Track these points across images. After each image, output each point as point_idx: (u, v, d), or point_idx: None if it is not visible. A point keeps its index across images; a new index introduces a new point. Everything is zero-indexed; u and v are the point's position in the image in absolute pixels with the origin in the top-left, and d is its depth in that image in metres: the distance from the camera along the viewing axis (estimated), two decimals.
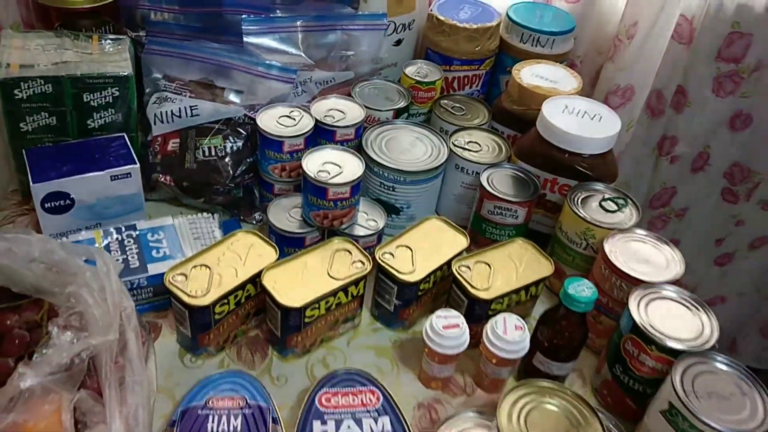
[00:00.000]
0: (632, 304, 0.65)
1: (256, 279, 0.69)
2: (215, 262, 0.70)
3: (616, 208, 0.78)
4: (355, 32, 0.94)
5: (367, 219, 0.81)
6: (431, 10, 0.99)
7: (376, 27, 0.95)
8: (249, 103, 0.89)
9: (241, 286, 0.68)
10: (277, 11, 0.93)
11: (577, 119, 0.81)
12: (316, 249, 0.73)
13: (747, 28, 1.09)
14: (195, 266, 0.69)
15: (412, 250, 0.74)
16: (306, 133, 0.82)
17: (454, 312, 0.68)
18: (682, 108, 1.19)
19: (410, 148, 0.86)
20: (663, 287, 0.68)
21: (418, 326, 0.77)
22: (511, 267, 0.74)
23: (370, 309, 0.78)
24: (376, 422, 0.63)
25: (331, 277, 0.70)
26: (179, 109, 0.86)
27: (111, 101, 0.81)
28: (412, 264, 0.73)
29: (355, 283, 0.70)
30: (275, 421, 0.62)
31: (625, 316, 0.66)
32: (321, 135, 0.84)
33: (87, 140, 0.81)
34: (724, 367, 0.61)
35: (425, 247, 0.75)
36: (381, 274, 0.73)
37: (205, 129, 0.87)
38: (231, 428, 0.60)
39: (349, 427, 0.62)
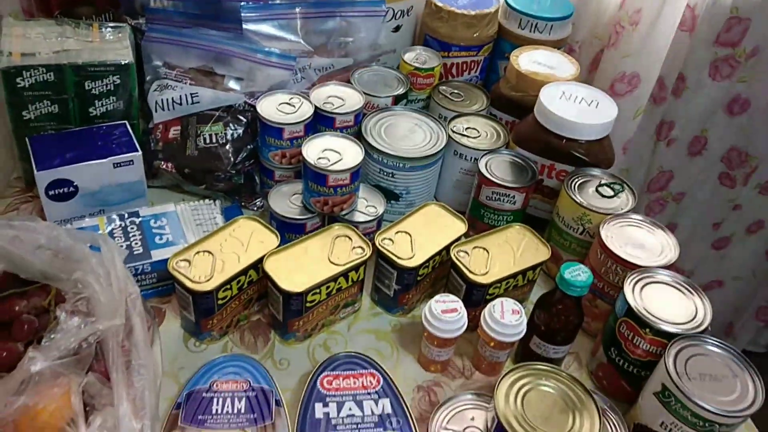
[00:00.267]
0: (627, 288, 0.67)
1: (258, 265, 0.70)
2: (218, 248, 0.71)
3: (612, 193, 0.79)
4: (353, 19, 0.95)
5: (367, 205, 0.82)
6: None
7: (375, 13, 0.95)
8: (249, 90, 0.89)
9: (244, 272, 0.69)
10: None
11: (574, 105, 0.82)
12: (316, 235, 0.74)
13: (746, 14, 1.09)
14: (198, 252, 0.70)
15: (411, 236, 0.75)
16: (306, 119, 0.83)
17: (452, 296, 0.69)
18: (680, 93, 1.19)
19: (409, 134, 0.86)
20: (657, 271, 0.69)
21: (417, 311, 0.79)
22: (508, 252, 0.75)
23: (370, 294, 0.80)
24: (376, 404, 0.65)
25: (331, 262, 0.71)
26: (180, 96, 0.87)
27: (112, 89, 0.82)
28: (411, 249, 0.74)
29: (356, 268, 0.72)
30: (278, 403, 0.64)
31: (620, 300, 0.67)
32: (320, 122, 0.85)
33: (89, 128, 0.82)
34: (716, 350, 0.63)
35: (424, 233, 0.76)
36: (381, 259, 0.74)
37: (206, 116, 0.87)
38: (235, 410, 0.62)
39: (350, 409, 0.64)
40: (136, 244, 0.75)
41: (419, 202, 0.84)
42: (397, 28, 1.01)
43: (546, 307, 0.69)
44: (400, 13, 1.00)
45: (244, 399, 0.63)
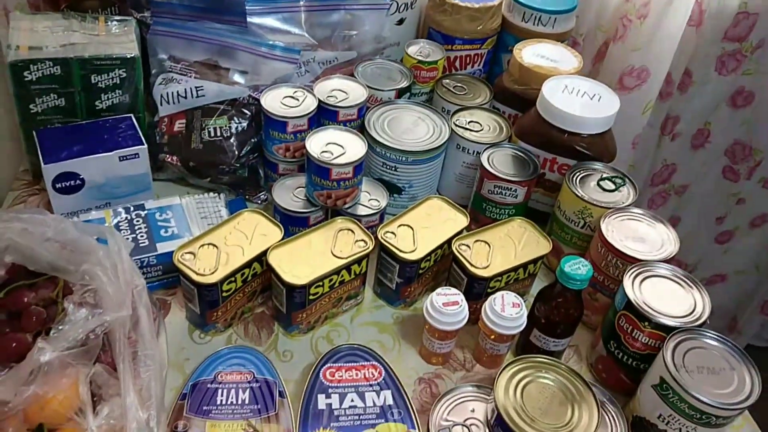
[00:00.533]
0: (626, 282, 0.67)
1: (262, 257, 0.71)
2: (222, 241, 0.72)
3: (614, 187, 0.79)
4: (358, 12, 0.95)
5: (370, 198, 0.82)
6: None
7: (379, 6, 0.95)
8: (253, 83, 0.90)
9: (248, 264, 0.70)
10: None
11: (576, 99, 0.82)
12: (320, 228, 0.75)
13: (754, 8, 1.08)
14: (203, 245, 0.71)
15: (413, 229, 0.76)
16: (309, 113, 0.83)
17: (453, 290, 0.70)
18: (686, 88, 1.19)
19: (412, 127, 0.87)
20: (657, 265, 0.69)
21: (419, 303, 0.80)
22: (509, 245, 0.76)
23: (373, 287, 0.80)
24: (378, 395, 0.66)
25: (334, 255, 0.72)
26: (185, 90, 0.87)
27: (118, 82, 0.82)
28: (414, 243, 0.75)
29: (358, 261, 0.72)
30: (281, 394, 0.65)
31: (619, 294, 0.68)
32: (324, 115, 0.86)
33: (96, 121, 0.83)
34: (714, 343, 0.63)
35: (426, 226, 0.77)
36: (383, 252, 0.75)
37: (211, 110, 0.88)
38: (239, 401, 0.63)
39: (352, 400, 0.65)
40: (142, 236, 0.76)
41: (422, 195, 0.85)
42: (400, 21, 1.01)
43: (546, 300, 0.70)
44: (403, 6, 1.00)
45: (248, 390, 0.64)
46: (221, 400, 0.63)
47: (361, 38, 0.97)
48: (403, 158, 0.83)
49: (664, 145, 1.28)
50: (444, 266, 0.79)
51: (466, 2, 0.97)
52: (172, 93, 0.87)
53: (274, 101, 0.84)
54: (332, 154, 0.76)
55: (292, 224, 0.79)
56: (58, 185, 0.77)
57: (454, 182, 0.90)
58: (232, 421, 0.61)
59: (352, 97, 0.87)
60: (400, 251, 0.73)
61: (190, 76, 0.89)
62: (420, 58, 0.95)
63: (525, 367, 0.64)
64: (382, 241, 0.74)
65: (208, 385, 0.64)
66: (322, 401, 0.64)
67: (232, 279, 0.70)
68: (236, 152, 0.87)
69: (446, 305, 0.68)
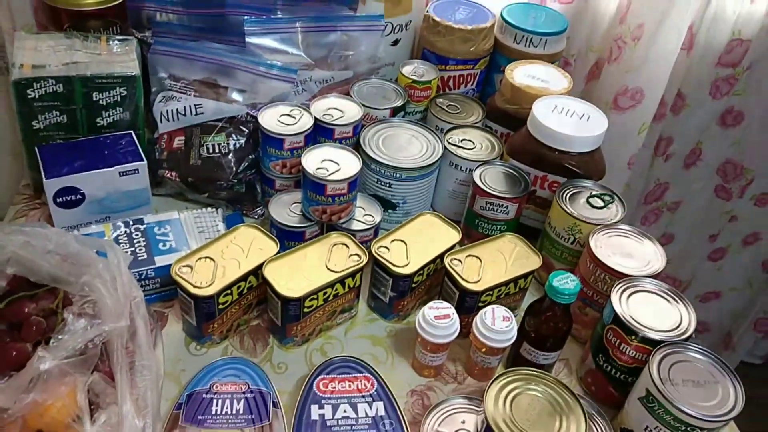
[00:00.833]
0: (614, 297, 0.69)
1: (258, 271, 0.73)
2: (219, 255, 0.73)
3: (602, 204, 0.81)
4: (353, 33, 0.97)
5: (365, 214, 0.84)
6: (427, 11, 1.02)
7: (374, 28, 0.98)
8: (251, 101, 0.92)
9: (244, 278, 0.72)
10: (278, 12, 0.97)
11: (566, 119, 0.84)
12: (315, 242, 0.76)
13: (747, 35, 1.11)
14: (200, 258, 0.73)
15: (406, 244, 0.78)
16: (306, 131, 0.85)
17: (445, 303, 0.72)
18: (679, 110, 1.21)
19: (406, 145, 0.89)
20: (644, 280, 0.71)
21: (412, 317, 0.81)
22: (500, 260, 0.77)
23: (367, 300, 0.82)
24: (370, 407, 0.67)
25: (329, 269, 0.73)
26: (184, 107, 0.89)
27: (119, 100, 0.84)
28: (407, 257, 0.76)
29: (352, 275, 0.74)
30: (275, 405, 0.66)
31: (607, 308, 0.69)
32: (320, 133, 0.88)
33: (96, 137, 0.84)
34: (699, 356, 0.65)
35: (419, 241, 0.78)
36: (377, 266, 0.77)
37: (209, 127, 0.90)
38: (234, 411, 0.64)
39: (345, 411, 0.66)
40: (141, 250, 0.78)
41: (416, 211, 0.87)
42: (395, 42, 1.04)
43: (536, 314, 0.71)
44: (398, 27, 1.02)
45: (242, 400, 0.65)
46: (216, 410, 0.64)
47: (357, 58, 0.99)
48: (398, 175, 0.85)
49: (657, 164, 1.30)
50: (436, 280, 0.80)
51: (459, 24, 1.00)
52: (172, 110, 0.89)
53: (271, 119, 0.86)
54: (327, 170, 0.78)
55: (288, 239, 0.81)
56: (59, 200, 0.79)
57: (447, 198, 0.92)
58: (227, 430, 0.63)
59: (347, 116, 0.89)
60: (394, 265, 0.75)
61: (190, 94, 0.91)
62: (414, 77, 0.97)
63: (514, 380, 0.65)
64: (376, 255, 0.76)
65: (204, 395, 0.65)
66: (315, 412, 0.66)
67: (229, 292, 0.71)
68: (234, 168, 0.89)
69: (438, 318, 0.70)
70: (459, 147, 0.90)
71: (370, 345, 0.77)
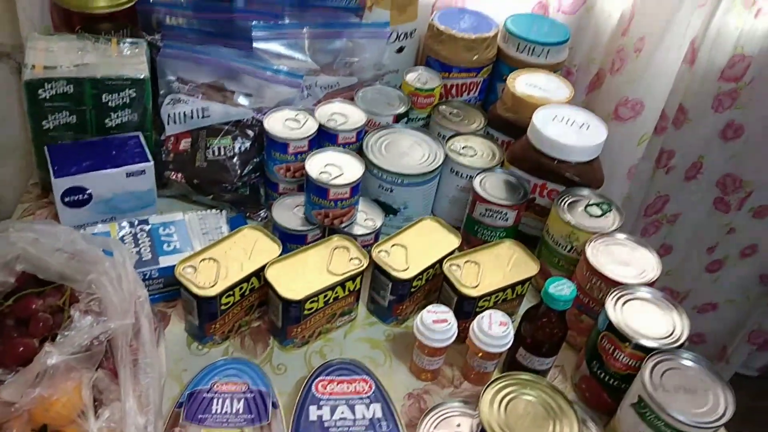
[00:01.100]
0: (609, 304, 0.70)
1: (260, 272, 0.74)
2: (222, 256, 0.75)
3: (600, 213, 0.82)
4: (359, 40, 0.99)
5: (366, 218, 0.85)
6: (432, 20, 1.04)
7: (379, 35, 0.99)
8: (257, 105, 0.93)
9: (246, 279, 0.73)
10: (286, 18, 0.98)
11: (566, 128, 0.86)
12: (316, 246, 0.78)
13: (749, 51, 1.12)
14: (203, 259, 0.74)
15: (406, 249, 0.79)
16: (310, 135, 0.87)
17: (443, 307, 0.73)
18: (680, 124, 1.22)
19: (408, 151, 0.90)
20: (638, 288, 0.72)
21: (410, 321, 0.82)
22: (498, 267, 0.79)
23: (366, 304, 0.83)
24: (368, 408, 0.68)
25: (330, 272, 0.74)
26: (191, 110, 0.91)
27: (128, 102, 0.86)
28: (406, 262, 0.78)
29: (353, 278, 0.75)
30: (275, 405, 0.67)
31: (602, 315, 0.71)
32: (324, 137, 0.89)
33: (105, 138, 0.86)
34: (690, 363, 0.66)
35: (419, 246, 0.80)
36: (377, 270, 0.78)
37: (216, 130, 0.92)
38: (234, 410, 0.65)
39: (342, 412, 0.67)
40: (145, 250, 0.79)
41: (416, 216, 0.88)
42: (400, 50, 1.05)
43: (532, 320, 0.73)
44: (403, 35, 1.04)
45: (242, 400, 0.66)
46: (216, 409, 0.65)
47: (362, 65, 1.00)
48: (399, 180, 0.87)
49: (658, 177, 1.31)
50: (435, 285, 0.82)
51: (463, 33, 1.01)
52: (179, 113, 0.91)
53: (276, 123, 0.88)
54: (330, 175, 0.80)
55: (290, 241, 0.82)
56: (67, 199, 0.81)
57: (447, 204, 0.93)
58: (227, 429, 0.64)
59: (351, 121, 0.90)
60: (393, 270, 0.76)
61: (197, 98, 0.92)
62: (418, 85, 0.98)
63: (509, 384, 0.66)
64: (376, 259, 0.77)
65: (205, 395, 0.67)
66: (313, 412, 0.67)
67: (231, 292, 0.72)
68: (239, 171, 0.90)
69: (436, 322, 0.71)
70: (460, 154, 0.91)
71: (369, 348, 0.79)
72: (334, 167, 0.81)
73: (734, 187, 1.32)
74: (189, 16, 0.99)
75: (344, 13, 1.00)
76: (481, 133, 0.97)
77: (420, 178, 0.87)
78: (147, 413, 0.56)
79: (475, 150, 0.93)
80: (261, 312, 0.80)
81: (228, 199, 0.92)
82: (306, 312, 0.73)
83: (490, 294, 0.75)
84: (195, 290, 0.71)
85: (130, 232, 0.81)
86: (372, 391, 0.70)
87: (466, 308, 0.75)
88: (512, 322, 0.73)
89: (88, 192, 0.81)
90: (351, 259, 0.76)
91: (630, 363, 0.68)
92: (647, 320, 0.69)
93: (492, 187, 0.86)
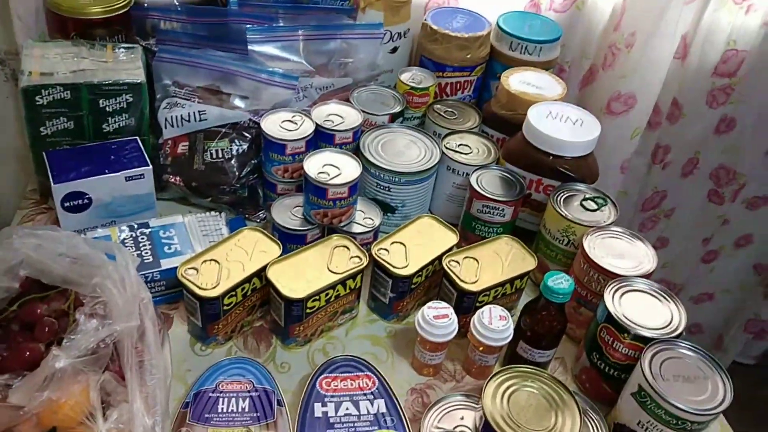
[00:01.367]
0: (607, 296, 0.71)
1: (261, 273, 0.75)
2: (224, 257, 0.75)
3: (596, 207, 0.84)
4: (353, 41, 1.00)
5: (365, 217, 0.86)
6: (425, 20, 1.05)
7: (374, 36, 1.00)
8: (253, 108, 0.94)
9: (248, 279, 0.74)
10: (280, 21, 0.99)
11: (560, 124, 0.87)
12: (316, 245, 0.78)
13: (743, 46, 1.14)
14: (205, 261, 0.75)
15: (405, 246, 0.80)
16: (307, 136, 0.87)
17: (443, 303, 0.74)
18: (676, 120, 1.23)
19: (405, 150, 0.91)
20: (636, 280, 0.73)
21: (411, 317, 0.83)
22: (497, 262, 0.80)
23: (367, 302, 0.84)
24: (372, 404, 0.69)
25: (330, 271, 0.75)
26: (188, 113, 0.91)
27: (125, 107, 0.86)
28: (406, 259, 0.78)
29: (353, 276, 0.76)
30: (280, 403, 0.68)
31: (601, 307, 0.72)
32: (321, 138, 0.90)
33: (103, 143, 0.86)
34: (688, 352, 0.67)
35: (418, 244, 0.81)
36: (377, 268, 0.79)
37: (213, 132, 0.92)
38: (239, 409, 0.66)
39: (347, 408, 0.68)
40: (146, 253, 0.80)
41: (414, 214, 0.89)
42: (394, 50, 1.06)
43: (531, 314, 0.74)
44: (397, 35, 1.05)
45: (248, 399, 0.67)
46: (222, 408, 0.66)
47: (357, 65, 1.01)
48: (397, 179, 0.87)
49: (654, 173, 1.32)
50: (435, 282, 0.82)
51: (456, 32, 1.02)
52: (176, 117, 0.91)
53: (273, 125, 0.89)
54: (329, 175, 0.80)
55: (290, 241, 0.83)
56: (67, 204, 0.81)
57: (445, 202, 0.94)
58: (233, 428, 0.64)
59: (347, 121, 0.91)
60: (393, 267, 0.77)
61: (194, 101, 0.93)
62: (412, 84, 0.99)
63: (511, 377, 0.67)
64: (376, 257, 0.78)
65: (210, 394, 0.67)
66: (318, 409, 0.67)
67: (233, 293, 0.73)
68: (237, 173, 0.91)
69: (437, 318, 0.72)
70: (456, 152, 0.92)
71: (371, 345, 0.80)
72: (332, 167, 0.82)
73: (728, 179, 1.34)
74: (183, 21, 0.99)
75: (337, 15, 1.01)
76: (476, 130, 0.98)
77: (417, 177, 0.88)
78: (154, 414, 0.57)
79: (470, 147, 0.94)
80: (263, 312, 0.80)
81: (226, 201, 0.92)
82: (308, 311, 0.74)
83: (489, 289, 0.76)
84: (198, 292, 0.71)
85: (131, 236, 0.82)
86: (376, 386, 0.70)
87: (466, 303, 0.76)
88: (511, 316, 0.74)
89: (87, 197, 0.82)
90: (351, 257, 0.77)
91: (629, 353, 0.69)
92: (645, 311, 0.70)
93: (488, 183, 0.87)
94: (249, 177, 0.92)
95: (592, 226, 0.80)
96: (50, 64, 0.84)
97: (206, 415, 0.65)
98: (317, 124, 0.89)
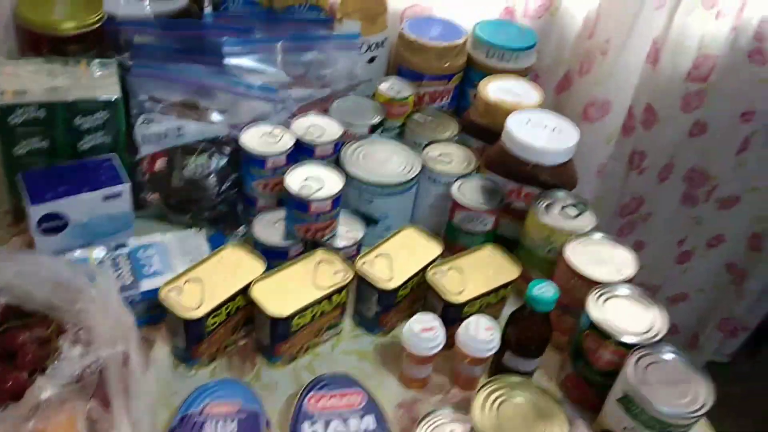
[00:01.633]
0: (590, 303, 0.72)
1: (245, 291, 0.74)
2: (206, 276, 0.74)
3: (576, 213, 0.84)
4: (331, 51, 0.99)
5: (347, 230, 0.86)
6: (402, 29, 1.05)
7: (351, 46, 1.00)
8: (232, 122, 0.93)
9: (232, 298, 0.73)
10: (256, 33, 0.98)
11: (539, 132, 0.88)
12: (300, 261, 0.78)
13: (714, 51, 1.16)
14: (188, 280, 0.74)
15: (390, 259, 0.80)
16: (287, 150, 0.87)
17: (430, 315, 0.74)
18: (651, 125, 1.25)
19: (386, 161, 0.91)
20: (618, 286, 0.74)
21: (396, 331, 0.83)
22: (481, 272, 0.80)
23: (352, 316, 0.84)
24: (361, 421, 0.69)
25: (315, 286, 0.75)
26: (166, 129, 0.90)
27: (101, 124, 0.85)
28: (391, 271, 0.78)
29: (339, 291, 0.76)
30: (268, 424, 0.67)
31: (584, 314, 0.72)
32: (301, 151, 0.89)
33: (79, 162, 0.85)
34: (671, 357, 0.68)
35: (402, 256, 0.81)
36: (362, 282, 0.79)
37: (191, 148, 0.91)
38: None
39: (336, 426, 0.68)
40: (126, 274, 0.78)
41: (397, 226, 0.89)
42: (372, 60, 1.06)
43: (517, 323, 0.74)
44: (374, 45, 1.05)
45: (235, 421, 0.66)
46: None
47: (335, 76, 1.01)
48: (380, 191, 0.87)
49: (632, 179, 1.34)
50: (420, 294, 0.83)
51: (433, 41, 1.02)
52: (153, 133, 0.90)
53: (252, 139, 0.88)
54: (311, 188, 0.80)
55: (273, 257, 0.82)
56: (43, 225, 0.79)
57: (427, 212, 0.94)
58: None
59: (328, 133, 0.91)
60: (379, 280, 0.77)
61: (171, 116, 0.92)
62: (392, 94, 0.99)
63: (499, 387, 0.67)
64: (360, 271, 0.78)
65: (196, 418, 0.66)
66: (307, 428, 0.67)
67: (217, 313, 0.72)
68: (217, 188, 0.90)
69: (424, 331, 0.72)
70: (437, 161, 0.92)
71: (357, 360, 0.79)
72: (314, 180, 0.81)
73: (701, 181, 1.37)
74: (157, 34, 0.98)
75: (314, 26, 1.01)
76: (456, 139, 0.99)
77: (400, 188, 0.88)
78: None
79: (451, 157, 0.94)
80: (247, 330, 0.79)
81: (206, 217, 0.91)
82: (294, 328, 0.73)
83: (475, 299, 0.77)
84: (181, 313, 0.70)
85: (109, 257, 0.80)
86: (364, 403, 0.70)
87: (452, 315, 0.77)
88: (496, 325, 0.74)
89: (64, 217, 0.80)
90: (336, 272, 0.77)
91: (613, 359, 0.70)
92: (627, 317, 0.71)
93: (470, 193, 0.87)
94: (229, 192, 0.91)
95: (574, 234, 0.81)
96: (23, 82, 0.83)
97: None
98: (298, 137, 0.88)
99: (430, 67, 1.04)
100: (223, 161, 0.91)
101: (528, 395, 0.67)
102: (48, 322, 0.60)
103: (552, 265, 0.83)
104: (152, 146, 0.91)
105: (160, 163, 0.91)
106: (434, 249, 0.83)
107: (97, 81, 0.86)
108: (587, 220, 0.84)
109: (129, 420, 0.56)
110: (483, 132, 0.97)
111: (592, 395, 0.74)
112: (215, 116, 0.94)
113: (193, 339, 0.72)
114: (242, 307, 0.75)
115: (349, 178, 0.87)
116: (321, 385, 0.71)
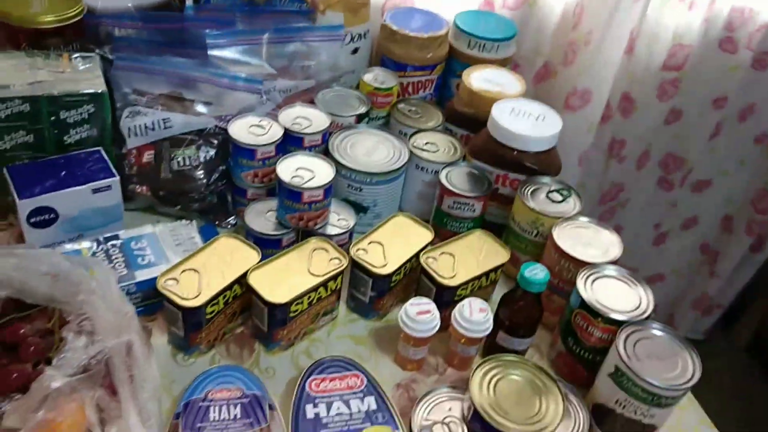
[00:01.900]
0: (580, 283, 0.74)
1: (242, 279, 0.74)
2: (202, 266, 0.75)
3: (561, 198, 0.87)
4: (314, 43, 1.00)
5: (339, 218, 0.87)
6: (384, 21, 1.06)
7: (334, 37, 1.01)
8: (218, 114, 0.93)
9: (229, 287, 0.74)
10: (239, 24, 0.98)
11: (523, 120, 0.90)
12: (295, 249, 0.79)
13: (688, 41, 1.20)
14: (184, 270, 0.74)
15: (383, 246, 0.81)
16: (276, 141, 0.87)
17: (425, 299, 0.76)
18: (629, 114, 1.29)
19: (373, 150, 0.92)
20: (605, 267, 0.77)
21: (390, 315, 0.84)
22: (472, 256, 0.82)
23: (346, 302, 0.85)
24: (362, 402, 0.70)
25: (311, 273, 0.76)
26: (152, 122, 0.90)
27: (87, 117, 0.84)
28: (384, 258, 0.80)
29: (334, 278, 0.77)
30: (272, 407, 0.68)
31: (574, 294, 0.75)
32: (290, 142, 0.90)
33: (66, 156, 0.84)
34: (659, 333, 0.71)
35: (395, 242, 0.82)
36: (356, 268, 0.80)
37: (179, 140, 0.91)
38: (232, 416, 0.66)
39: (338, 408, 0.69)
40: (120, 266, 0.78)
41: (386, 213, 0.90)
42: (355, 51, 1.07)
43: (509, 304, 0.76)
44: (357, 36, 1.06)
45: (239, 405, 0.67)
46: (214, 417, 0.65)
47: (319, 68, 1.02)
48: (369, 179, 0.89)
49: (612, 167, 1.38)
50: (412, 279, 0.84)
51: (415, 32, 1.04)
52: (140, 125, 0.90)
53: (241, 130, 0.88)
54: (303, 178, 0.81)
55: (266, 246, 0.82)
56: (33, 220, 0.78)
57: (415, 200, 0.96)
58: None
59: (315, 124, 0.91)
60: (373, 266, 0.78)
61: (157, 109, 0.91)
62: (376, 84, 1.01)
63: (495, 366, 0.69)
64: (355, 258, 0.79)
65: (200, 404, 0.67)
66: (310, 411, 0.68)
67: (215, 301, 0.73)
68: (206, 180, 0.90)
69: (420, 314, 0.73)
70: (423, 150, 0.94)
71: (353, 344, 0.81)
72: (305, 170, 0.82)
73: (676, 166, 1.41)
74: (138, 27, 0.97)
75: (296, 17, 1.01)
76: (440, 128, 1.00)
77: (388, 176, 0.90)
78: (150, 427, 0.57)
79: (437, 146, 0.96)
80: (243, 318, 0.80)
81: (196, 209, 0.91)
82: (291, 314, 0.74)
83: (467, 282, 0.79)
84: (180, 302, 0.70)
85: (102, 249, 0.80)
86: (364, 385, 0.72)
87: (445, 298, 0.78)
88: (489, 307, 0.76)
89: (54, 211, 0.79)
90: (331, 259, 0.78)
91: (603, 336, 0.73)
92: (616, 296, 0.74)
93: (458, 180, 0.89)
94: (218, 183, 0.91)
95: (560, 218, 0.83)
96: (5, 76, 0.81)
97: (198, 425, 0.65)
98: (286, 128, 0.89)
99: (413, 58, 1.05)
100: (212, 152, 0.91)
101: (524, 373, 0.69)
102: (49, 314, 0.59)
103: (539, 248, 0.86)
104: (139, 139, 0.90)
105: (147, 156, 0.91)
106: (425, 235, 0.84)
107: (80, 74, 0.86)
108: (572, 204, 0.87)
109: (136, 407, 0.56)
110: (467, 121, 0.99)
111: (583, 371, 0.77)
112: (201, 108, 0.94)
113: (191, 328, 0.72)
114: (239, 296, 0.76)
115: (338, 168, 0.88)
116: (321, 369, 0.73)
